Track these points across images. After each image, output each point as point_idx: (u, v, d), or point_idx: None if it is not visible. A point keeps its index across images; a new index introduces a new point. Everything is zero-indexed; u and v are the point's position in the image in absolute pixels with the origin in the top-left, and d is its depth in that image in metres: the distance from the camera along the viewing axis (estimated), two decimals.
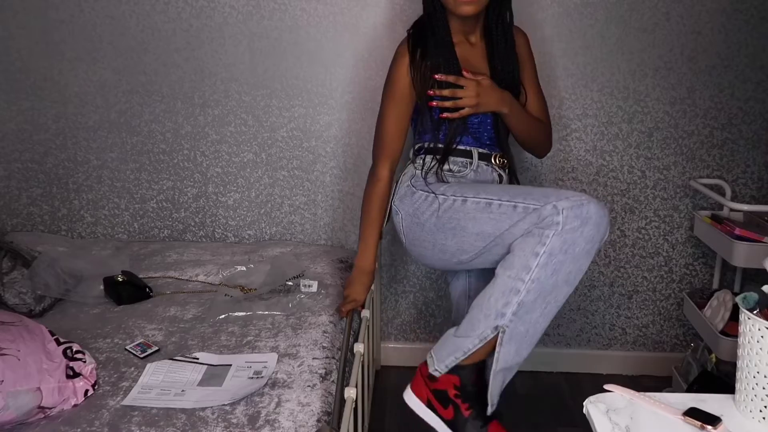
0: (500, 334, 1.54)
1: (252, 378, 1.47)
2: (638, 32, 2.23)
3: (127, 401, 1.37)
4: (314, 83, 2.30)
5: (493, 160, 1.83)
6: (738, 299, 1.16)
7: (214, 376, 1.48)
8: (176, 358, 1.55)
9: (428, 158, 1.80)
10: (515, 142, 1.92)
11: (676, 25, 2.22)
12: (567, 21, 2.23)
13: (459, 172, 1.80)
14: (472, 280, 1.93)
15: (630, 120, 2.30)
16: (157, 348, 1.60)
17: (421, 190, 1.76)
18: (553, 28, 2.23)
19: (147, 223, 2.44)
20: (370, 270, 1.88)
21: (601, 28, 2.23)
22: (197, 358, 1.55)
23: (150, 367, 1.51)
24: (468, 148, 1.80)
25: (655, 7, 2.21)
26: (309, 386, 1.45)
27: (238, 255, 2.18)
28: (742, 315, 1.13)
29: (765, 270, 1.23)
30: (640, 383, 2.38)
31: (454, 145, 1.79)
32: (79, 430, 1.28)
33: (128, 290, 1.87)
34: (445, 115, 1.76)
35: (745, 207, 2.01)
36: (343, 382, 1.52)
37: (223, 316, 1.77)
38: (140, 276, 1.97)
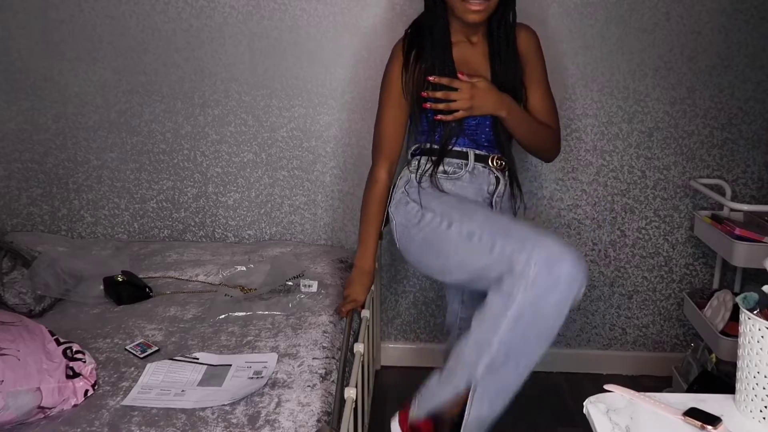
0: (471, 392, 1.51)
1: (252, 378, 1.47)
2: (638, 32, 2.23)
3: (127, 401, 1.37)
4: (314, 83, 2.30)
5: (490, 162, 1.79)
6: (738, 299, 1.16)
7: (214, 376, 1.48)
8: (176, 358, 1.55)
9: (423, 159, 1.78)
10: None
11: (676, 25, 2.22)
12: (567, 21, 2.23)
13: (454, 173, 1.77)
14: (466, 292, 1.90)
15: (630, 120, 2.30)
16: (157, 348, 1.60)
17: (413, 200, 1.74)
18: (553, 28, 2.22)
19: (147, 223, 2.43)
20: (370, 270, 1.88)
21: (601, 28, 2.23)
22: (197, 358, 1.55)
23: (150, 367, 1.51)
24: (464, 150, 1.77)
25: (655, 7, 2.21)
26: (309, 386, 1.45)
27: (238, 255, 2.18)
28: (743, 315, 1.13)
29: (765, 270, 1.23)
30: (640, 383, 2.37)
31: (450, 147, 1.76)
32: (79, 430, 1.28)
33: (128, 290, 1.87)
34: (438, 117, 1.73)
35: (745, 207, 2.02)
36: (343, 382, 1.51)
37: (223, 316, 1.77)
38: (140, 276, 1.97)
